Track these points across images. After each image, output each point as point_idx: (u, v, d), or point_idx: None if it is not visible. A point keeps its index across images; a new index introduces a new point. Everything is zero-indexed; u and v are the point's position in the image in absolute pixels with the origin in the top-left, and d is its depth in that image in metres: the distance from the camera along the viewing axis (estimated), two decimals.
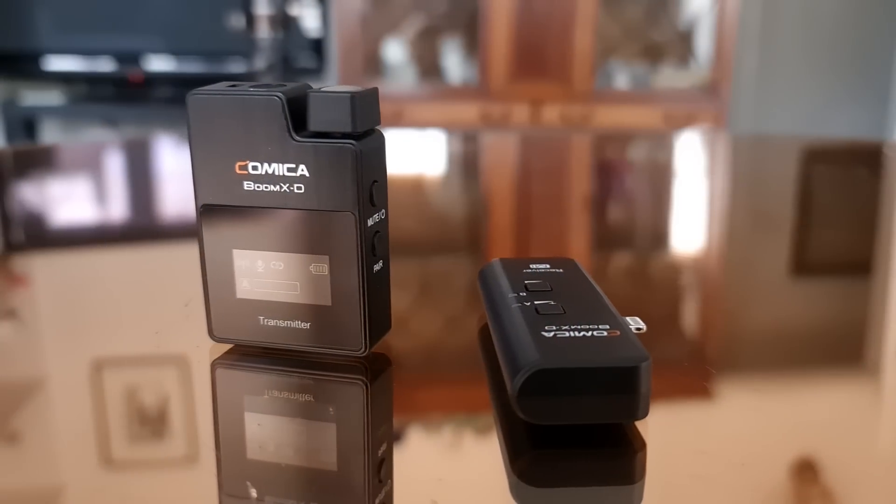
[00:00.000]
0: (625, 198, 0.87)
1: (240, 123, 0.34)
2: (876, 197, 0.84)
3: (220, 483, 0.31)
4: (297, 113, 0.34)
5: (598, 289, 0.38)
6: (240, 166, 0.35)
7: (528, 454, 0.31)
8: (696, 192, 0.89)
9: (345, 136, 0.34)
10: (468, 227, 0.73)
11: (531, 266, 0.40)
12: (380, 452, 0.33)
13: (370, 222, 0.35)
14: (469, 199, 0.85)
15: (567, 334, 0.32)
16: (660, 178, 0.99)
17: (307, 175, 0.34)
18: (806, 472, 0.31)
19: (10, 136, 2.42)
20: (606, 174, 1.02)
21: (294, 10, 2.28)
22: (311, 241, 0.35)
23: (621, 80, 2.55)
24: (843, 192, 0.88)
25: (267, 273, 0.36)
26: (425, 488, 0.30)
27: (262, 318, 0.37)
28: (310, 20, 2.41)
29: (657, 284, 0.57)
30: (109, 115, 2.57)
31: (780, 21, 2.51)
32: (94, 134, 2.58)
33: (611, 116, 2.48)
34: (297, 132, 0.34)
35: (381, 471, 0.32)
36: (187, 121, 0.35)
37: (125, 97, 2.54)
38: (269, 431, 0.34)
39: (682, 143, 1.36)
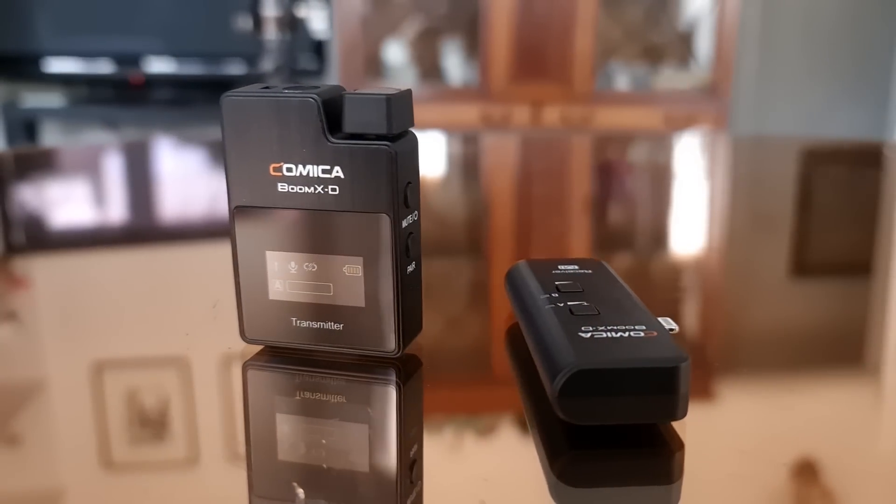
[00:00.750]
0: (625, 199, 0.87)
1: (274, 125, 0.34)
2: (876, 198, 0.84)
3: (251, 484, 0.31)
4: (331, 115, 0.34)
5: (629, 289, 0.38)
6: (274, 168, 0.35)
7: (566, 455, 0.32)
8: (697, 193, 0.89)
9: (379, 137, 0.34)
10: (469, 229, 0.73)
11: (559, 267, 0.40)
12: (412, 453, 0.33)
13: (404, 223, 0.35)
14: (469, 200, 0.85)
15: (604, 335, 0.32)
16: (660, 180, 0.99)
17: (342, 177, 0.34)
18: (840, 469, 0.31)
19: (11, 138, 2.41)
20: (607, 176, 1.03)
21: (301, 12, 2.28)
22: (346, 242, 0.35)
23: (622, 81, 2.56)
24: (844, 192, 0.89)
25: (300, 274, 0.36)
26: (471, 488, 0.30)
27: (294, 319, 0.37)
28: (317, 22, 2.41)
29: (660, 286, 0.57)
30: (110, 117, 2.57)
31: (780, 22, 2.52)
32: (95, 136, 2.58)
33: (611, 118, 2.48)
34: (331, 134, 0.34)
35: (412, 472, 0.32)
36: (221, 123, 0.35)
37: (125, 99, 2.54)
38: (301, 432, 0.34)
39: (683, 144, 1.37)
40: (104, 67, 2.52)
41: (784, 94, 2.53)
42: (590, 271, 0.40)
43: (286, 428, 0.34)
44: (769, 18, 2.52)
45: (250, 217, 0.36)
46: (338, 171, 0.34)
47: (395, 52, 2.56)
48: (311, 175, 0.34)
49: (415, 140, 0.36)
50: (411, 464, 0.32)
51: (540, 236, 0.70)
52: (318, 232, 0.35)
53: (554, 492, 0.30)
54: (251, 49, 2.35)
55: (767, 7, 2.52)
